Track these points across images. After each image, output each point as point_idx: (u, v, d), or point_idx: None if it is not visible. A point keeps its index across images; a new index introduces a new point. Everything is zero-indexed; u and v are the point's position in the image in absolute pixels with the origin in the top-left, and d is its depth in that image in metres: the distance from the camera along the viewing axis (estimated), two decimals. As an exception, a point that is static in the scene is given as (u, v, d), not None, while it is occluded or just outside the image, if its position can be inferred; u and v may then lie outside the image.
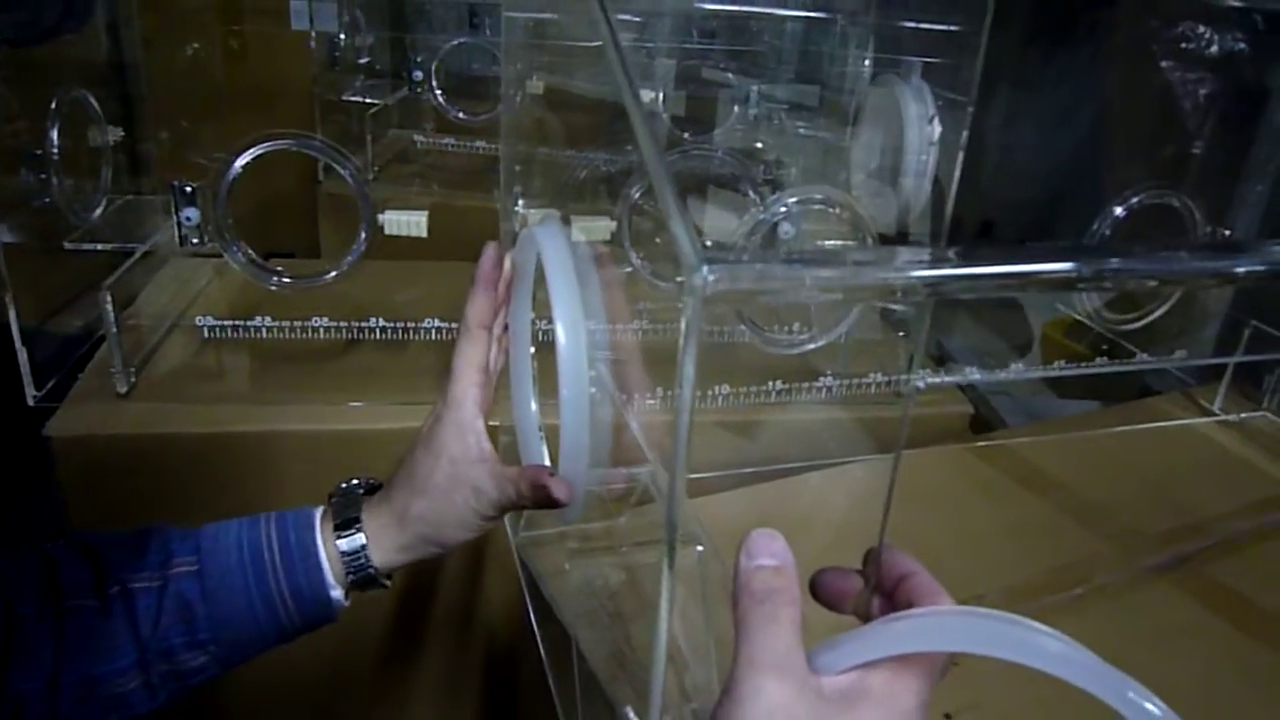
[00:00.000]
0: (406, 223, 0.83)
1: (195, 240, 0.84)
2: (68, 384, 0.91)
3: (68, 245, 0.94)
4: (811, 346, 0.86)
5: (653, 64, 1.44)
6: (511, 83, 0.75)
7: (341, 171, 0.85)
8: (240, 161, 0.83)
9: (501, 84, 0.75)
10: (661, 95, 1.38)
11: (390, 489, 0.56)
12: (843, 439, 0.94)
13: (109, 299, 0.87)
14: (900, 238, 1.06)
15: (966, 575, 0.78)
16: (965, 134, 0.89)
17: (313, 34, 1.41)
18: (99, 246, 0.96)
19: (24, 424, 0.88)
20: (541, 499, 0.51)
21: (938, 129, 0.96)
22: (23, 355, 0.86)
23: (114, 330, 0.88)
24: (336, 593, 0.54)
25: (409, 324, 0.92)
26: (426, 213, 0.85)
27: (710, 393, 0.86)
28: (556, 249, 0.51)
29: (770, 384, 0.87)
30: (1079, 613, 0.75)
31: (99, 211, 1.01)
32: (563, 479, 0.51)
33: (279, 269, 0.85)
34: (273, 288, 0.85)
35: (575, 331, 0.48)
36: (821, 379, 0.90)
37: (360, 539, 0.54)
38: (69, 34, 1.09)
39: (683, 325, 0.36)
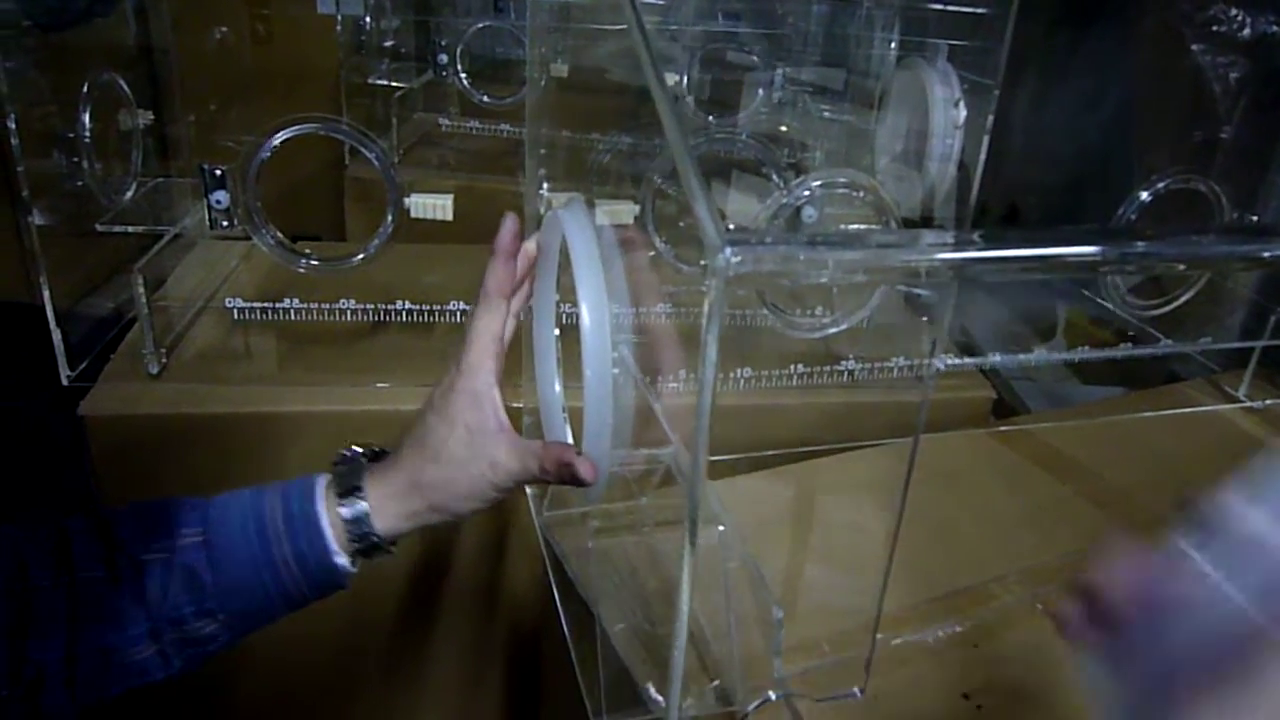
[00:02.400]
0: (432, 206, 0.84)
1: (225, 223, 0.85)
2: (101, 364, 0.92)
3: (99, 228, 0.95)
4: (833, 330, 0.86)
5: (677, 47, 1.44)
6: (535, 66, 0.76)
7: (368, 155, 0.86)
8: (269, 144, 0.84)
9: (526, 67, 0.75)
10: (685, 78, 1.38)
11: (400, 456, 0.56)
12: (864, 423, 0.94)
13: (141, 281, 0.88)
14: (925, 221, 1.06)
15: (985, 557, 0.78)
16: (991, 118, 0.88)
17: (339, 17, 1.42)
18: (130, 229, 0.97)
19: (59, 403, 0.90)
20: (566, 476, 0.52)
21: (963, 112, 0.95)
22: (57, 336, 0.88)
23: (145, 312, 0.89)
24: (341, 559, 0.54)
25: (435, 306, 0.93)
26: (452, 196, 0.86)
27: (732, 375, 0.86)
28: (581, 231, 0.52)
29: (792, 367, 0.88)
30: (1100, 597, 0.75)
31: (130, 194, 1.02)
32: (587, 457, 0.52)
33: (307, 251, 0.86)
34: (301, 270, 0.86)
35: (599, 313, 0.49)
36: (843, 362, 0.90)
37: (363, 506, 0.54)
38: (99, 18, 1.10)
39: (705, 307, 0.37)
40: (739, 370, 0.87)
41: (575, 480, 0.52)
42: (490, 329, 0.55)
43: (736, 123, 1.35)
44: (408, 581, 0.97)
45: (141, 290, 0.89)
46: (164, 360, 0.91)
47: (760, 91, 1.37)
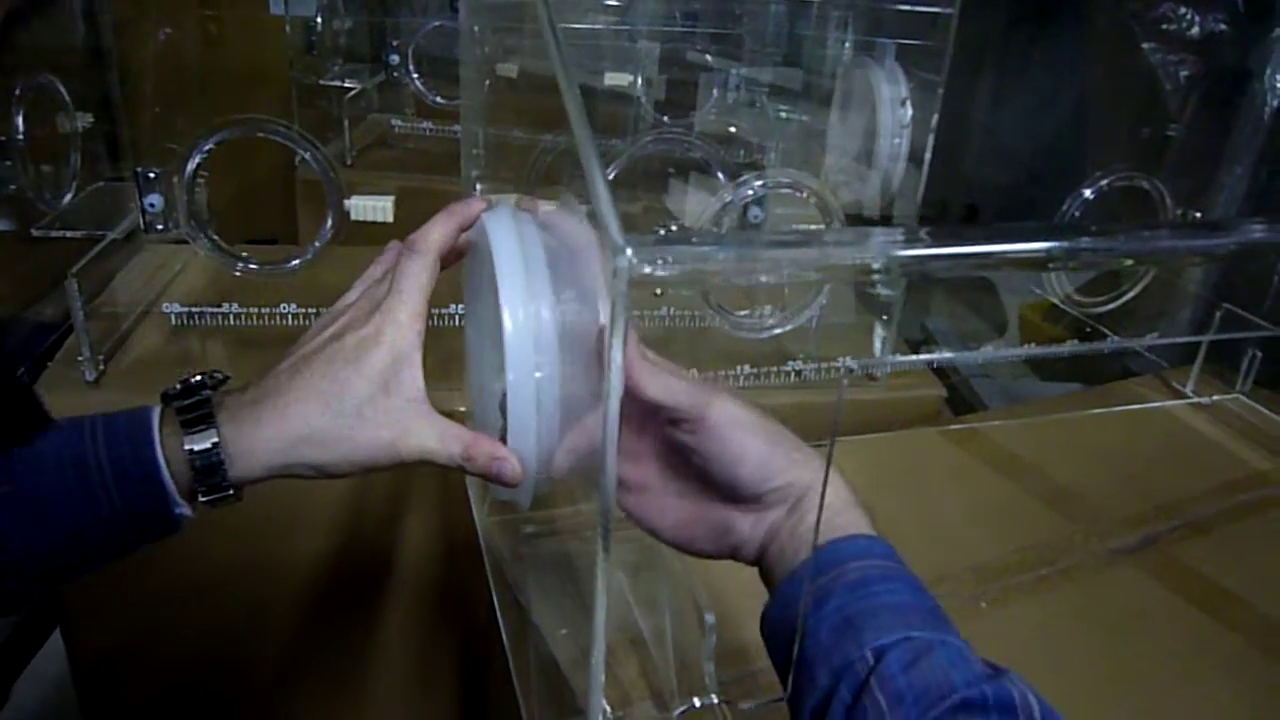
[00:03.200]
0: (372, 208, 0.83)
1: (160, 226, 0.83)
2: (39, 372, 0.90)
3: (35, 232, 0.93)
4: (778, 331, 0.86)
5: (635, 47, 1.44)
6: (472, 65, 0.75)
7: (306, 156, 0.85)
8: (204, 147, 0.82)
9: (460, 67, 0.74)
10: (640, 79, 1.38)
11: (282, 400, 0.48)
12: (812, 422, 0.93)
13: (75, 286, 0.86)
14: (883, 220, 1.05)
15: (933, 557, 0.78)
16: (936, 116, 0.88)
17: (288, 18, 1.40)
18: (67, 234, 0.95)
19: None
20: (493, 472, 0.49)
21: (909, 111, 0.95)
22: (-13, 341, 0.86)
23: (81, 317, 0.87)
24: (182, 509, 0.49)
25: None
26: (393, 197, 0.85)
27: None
28: (504, 234, 0.51)
29: (738, 368, 0.87)
30: (1044, 593, 0.75)
31: (69, 198, 1.00)
32: (514, 457, 0.50)
33: (244, 255, 0.85)
34: (238, 274, 0.85)
35: (519, 315, 0.48)
36: (790, 363, 0.89)
37: (216, 453, 0.47)
38: (34, 15, 1.08)
39: (608, 309, 0.36)
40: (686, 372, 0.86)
41: (500, 478, 0.50)
42: (422, 284, 0.50)
43: (692, 123, 1.35)
44: (351, 581, 0.96)
45: (76, 295, 0.87)
46: (102, 367, 0.90)
47: (715, 92, 1.37)
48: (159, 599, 0.95)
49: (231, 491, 0.49)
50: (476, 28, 0.84)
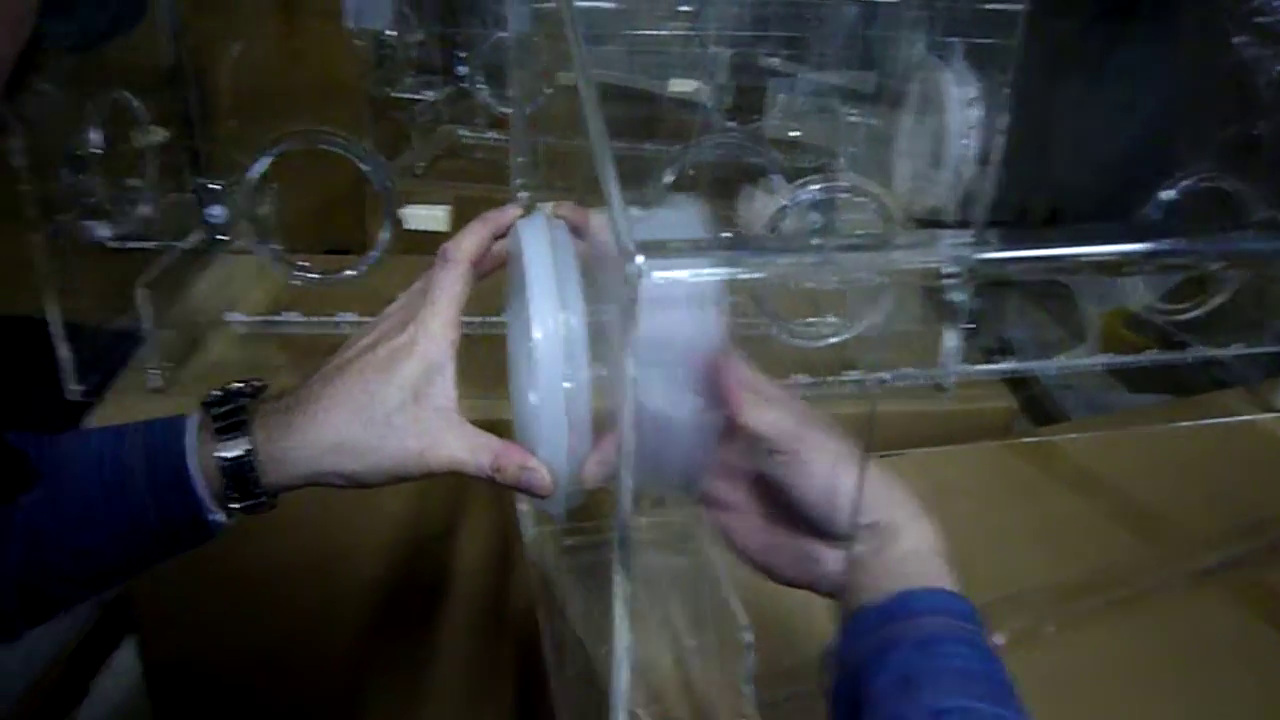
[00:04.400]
0: (426, 217, 0.83)
1: (223, 236, 0.85)
2: (111, 379, 0.93)
3: (111, 244, 0.96)
4: (833, 339, 0.83)
5: (705, 53, 1.42)
6: (522, 75, 0.75)
7: (362, 166, 0.86)
8: (264, 159, 0.84)
9: (509, 76, 0.74)
10: (707, 84, 1.36)
11: (315, 407, 0.49)
12: (877, 435, 0.91)
13: (144, 295, 0.89)
14: (960, 225, 1.02)
15: (997, 575, 0.75)
16: (1006, 117, 0.85)
17: (361, 31, 1.42)
18: (140, 245, 0.98)
19: (70, 418, 0.91)
20: (523, 482, 0.49)
21: (979, 111, 0.92)
22: (62, 350, 0.89)
23: (149, 326, 0.90)
24: (216, 516, 0.50)
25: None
26: (449, 207, 0.85)
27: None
28: (534, 241, 0.50)
29: (793, 378, 0.85)
30: (1118, 618, 0.71)
31: (144, 210, 1.03)
32: (543, 468, 0.49)
33: (303, 264, 0.86)
34: (296, 282, 0.86)
35: (547, 324, 0.47)
36: (848, 372, 0.87)
37: (248, 458, 0.48)
38: (120, 36, 1.12)
39: (618, 319, 0.35)
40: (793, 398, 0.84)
41: (530, 489, 0.49)
42: (455, 295, 0.50)
43: (760, 129, 1.33)
44: (410, 590, 0.97)
45: (146, 304, 0.89)
46: (170, 375, 0.92)
47: (781, 96, 1.34)
48: (224, 603, 0.97)
49: (264, 499, 0.50)
50: (537, 37, 0.84)
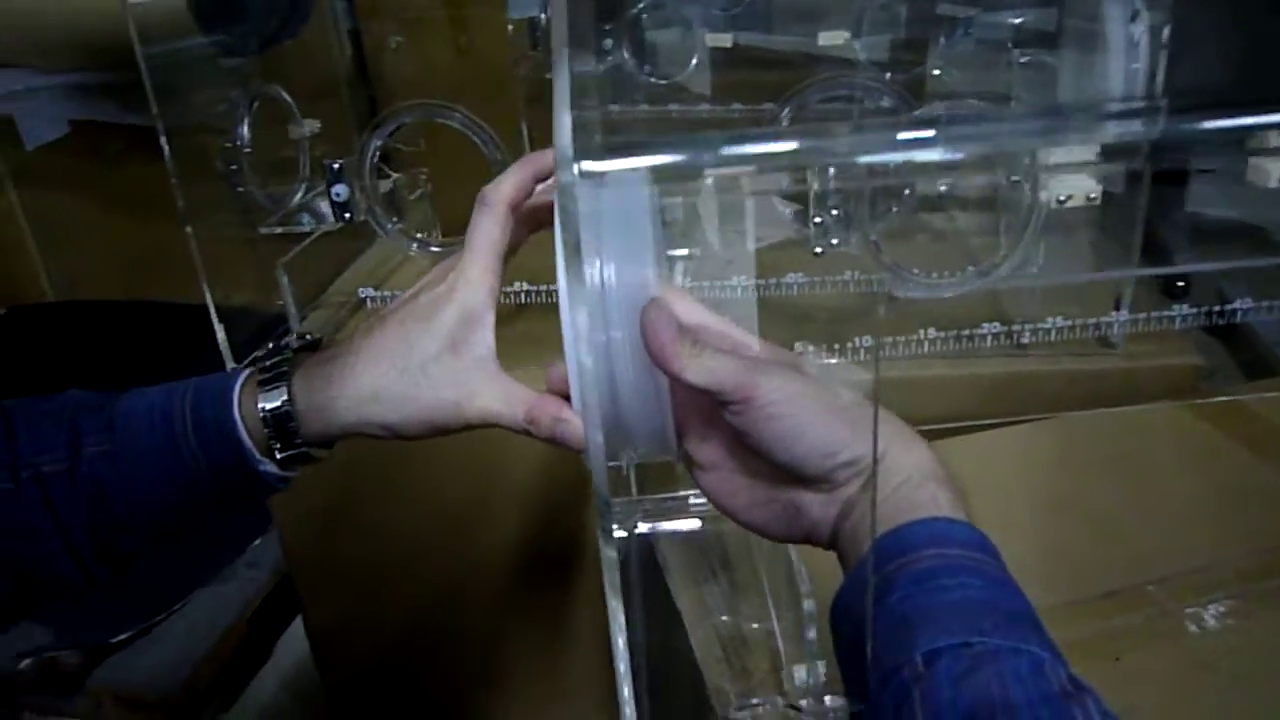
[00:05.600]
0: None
1: (346, 215, 0.88)
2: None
3: (263, 230, 1.02)
4: (949, 293, 0.75)
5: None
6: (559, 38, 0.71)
7: (477, 140, 0.86)
8: (380, 137, 0.86)
9: (552, 38, 0.70)
10: (858, 35, 1.28)
11: (355, 358, 0.49)
12: (1026, 395, 0.82)
13: (285, 276, 0.93)
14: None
15: (1148, 553, 0.65)
16: (1167, 29, 0.74)
17: (512, 19, 1.44)
18: (288, 230, 1.03)
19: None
20: (556, 434, 0.47)
21: (1141, 27, 0.80)
22: (220, 332, 0.95)
23: (290, 308, 0.94)
24: (267, 467, 0.50)
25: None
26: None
27: (850, 345, 0.77)
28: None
29: (921, 333, 0.77)
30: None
31: (297, 198, 1.09)
32: (577, 419, 0.47)
33: (419, 238, 0.88)
34: (414, 255, 0.88)
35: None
36: (985, 325, 0.78)
37: (287, 407, 0.49)
38: (288, 40, 1.19)
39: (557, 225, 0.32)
40: (858, 339, 0.77)
41: (565, 442, 0.47)
42: (495, 241, 0.49)
43: (916, 79, 1.24)
44: (544, 565, 0.97)
45: (285, 285, 0.94)
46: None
47: (943, 40, 1.24)
48: (375, 572, 1.01)
49: (307, 450, 0.50)
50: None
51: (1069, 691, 0.34)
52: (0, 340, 1.24)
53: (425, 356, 0.48)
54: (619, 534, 0.56)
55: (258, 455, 0.50)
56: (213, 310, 0.94)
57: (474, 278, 0.49)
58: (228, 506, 0.53)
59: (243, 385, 0.51)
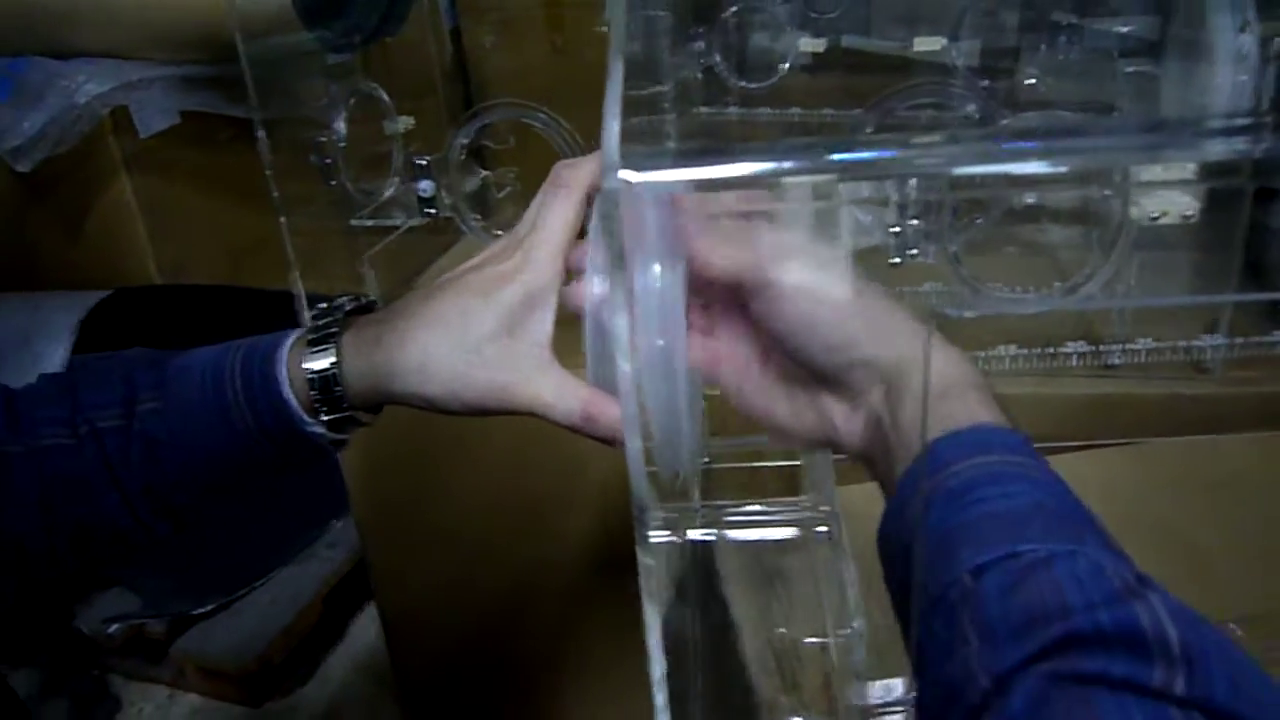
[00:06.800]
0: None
1: (431, 210, 0.90)
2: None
3: (354, 223, 1.04)
4: (1034, 310, 0.72)
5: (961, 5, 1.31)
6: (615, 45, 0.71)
7: (556, 139, 0.87)
8: (465, 133, 0.87)
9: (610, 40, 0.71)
10: (956, 42, 1.25)
11: (407, 322, 0.48)
12: (1117, 420, 0.79)
13: (369, 268, 0.96)
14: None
15: (1234, 589, 0.62)
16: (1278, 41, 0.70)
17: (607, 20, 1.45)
18: (379, 223, 1.05)
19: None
20: (606, 433, 0.46)
21: (1251, 38, 0.77)
22: (305, 319, 0.98)
23: (376, 298, 0.96)
24: (315, 428, 0.49)
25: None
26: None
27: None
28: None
29: (1002, 349, 0.74)
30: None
31: (389, 193, 1.11)
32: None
33: (497, 233, 0.89)
34: (491, 252, 0.89)
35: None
36: (1070, 344, 0.75)
37: (331, 374, 0.48)
38: (387, 37, 1.22)
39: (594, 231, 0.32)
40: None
41: (610, 439, 0.46)
42: (566, 219, 0.47)
43: (1011, 87, 1.20)
44: (614, 553, 0.97)
45: (371, 277, 0.96)
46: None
47: (1044, 48, 1.20)
48: (449, 558, 1.03)
49: (352, 414, 0.49)
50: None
51: (1133, 589, 0.31)
52: (106, 320, 1.29)
53: (481, 335, 0.46)
54: (671, 539, 0.55)
55: (305, 417, 0.49)
56: (302, 299, 0.97)
57: (541, 259, 0.47)
58: (281, 468, 0.52)
59: (292, 345, 0.50)
